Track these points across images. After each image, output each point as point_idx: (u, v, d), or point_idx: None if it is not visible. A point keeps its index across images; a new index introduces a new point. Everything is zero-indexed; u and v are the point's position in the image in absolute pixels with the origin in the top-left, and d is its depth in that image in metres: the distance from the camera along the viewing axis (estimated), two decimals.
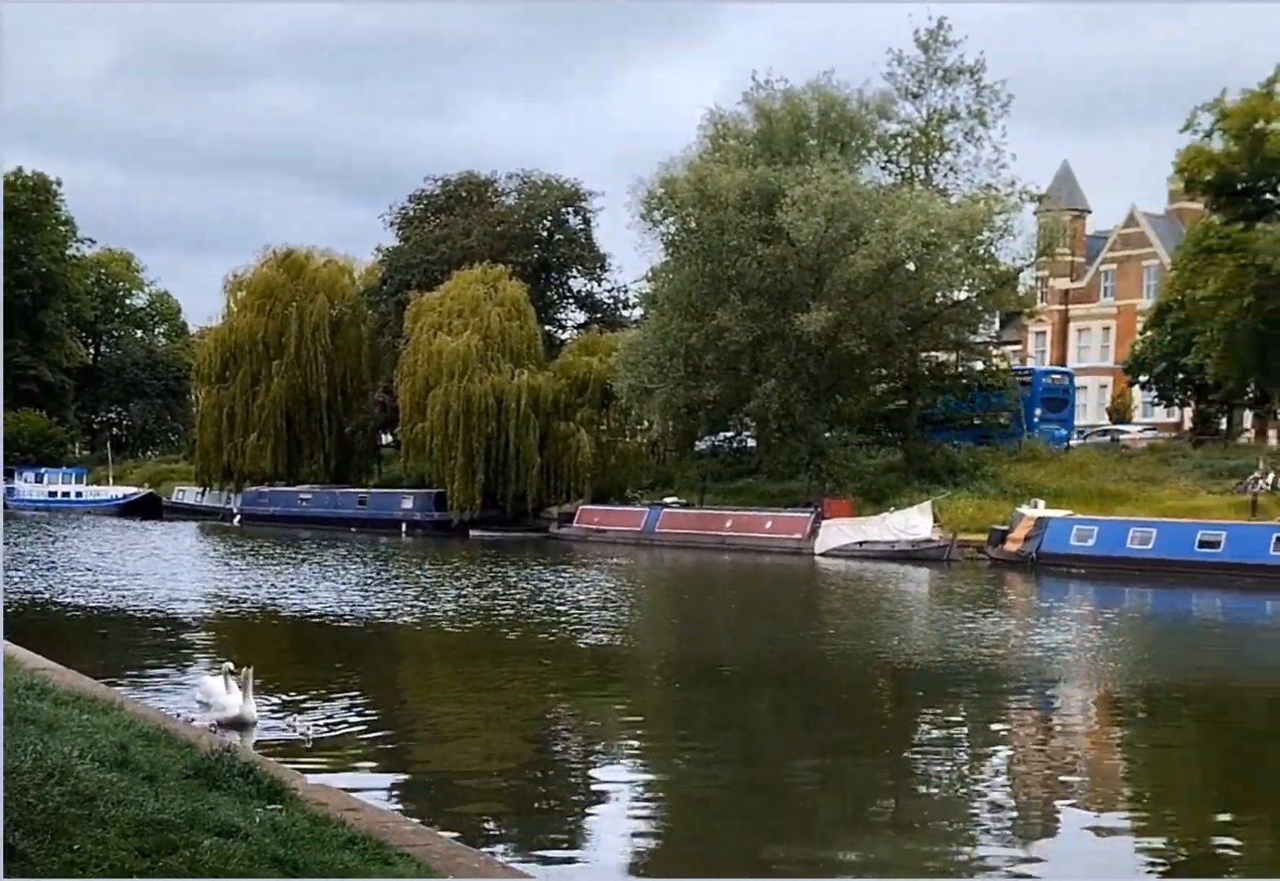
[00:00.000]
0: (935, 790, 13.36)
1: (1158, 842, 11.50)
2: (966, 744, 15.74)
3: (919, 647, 23.67)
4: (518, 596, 30.48)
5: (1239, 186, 48.54)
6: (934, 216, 45.92)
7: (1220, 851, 11.18)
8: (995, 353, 56.99)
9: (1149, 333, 55.45)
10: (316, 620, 25.66)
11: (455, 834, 9.83)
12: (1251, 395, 51.95)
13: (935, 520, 44.14)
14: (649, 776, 13.92)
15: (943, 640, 24.38)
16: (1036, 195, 53.25)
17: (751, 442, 57.85)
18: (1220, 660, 22.89)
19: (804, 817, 12.35)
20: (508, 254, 62.40)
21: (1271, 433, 52.94)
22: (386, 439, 72.66)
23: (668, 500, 54.46)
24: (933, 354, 55.30)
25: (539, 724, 16.48)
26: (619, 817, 11.95)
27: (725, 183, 47.79)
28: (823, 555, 44.94)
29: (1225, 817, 12.25)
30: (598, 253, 69.12)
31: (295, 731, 14.19)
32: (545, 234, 68.20)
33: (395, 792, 12.37)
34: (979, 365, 55.44)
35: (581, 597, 30.98)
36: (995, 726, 17.03)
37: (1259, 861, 10.99)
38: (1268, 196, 48.78)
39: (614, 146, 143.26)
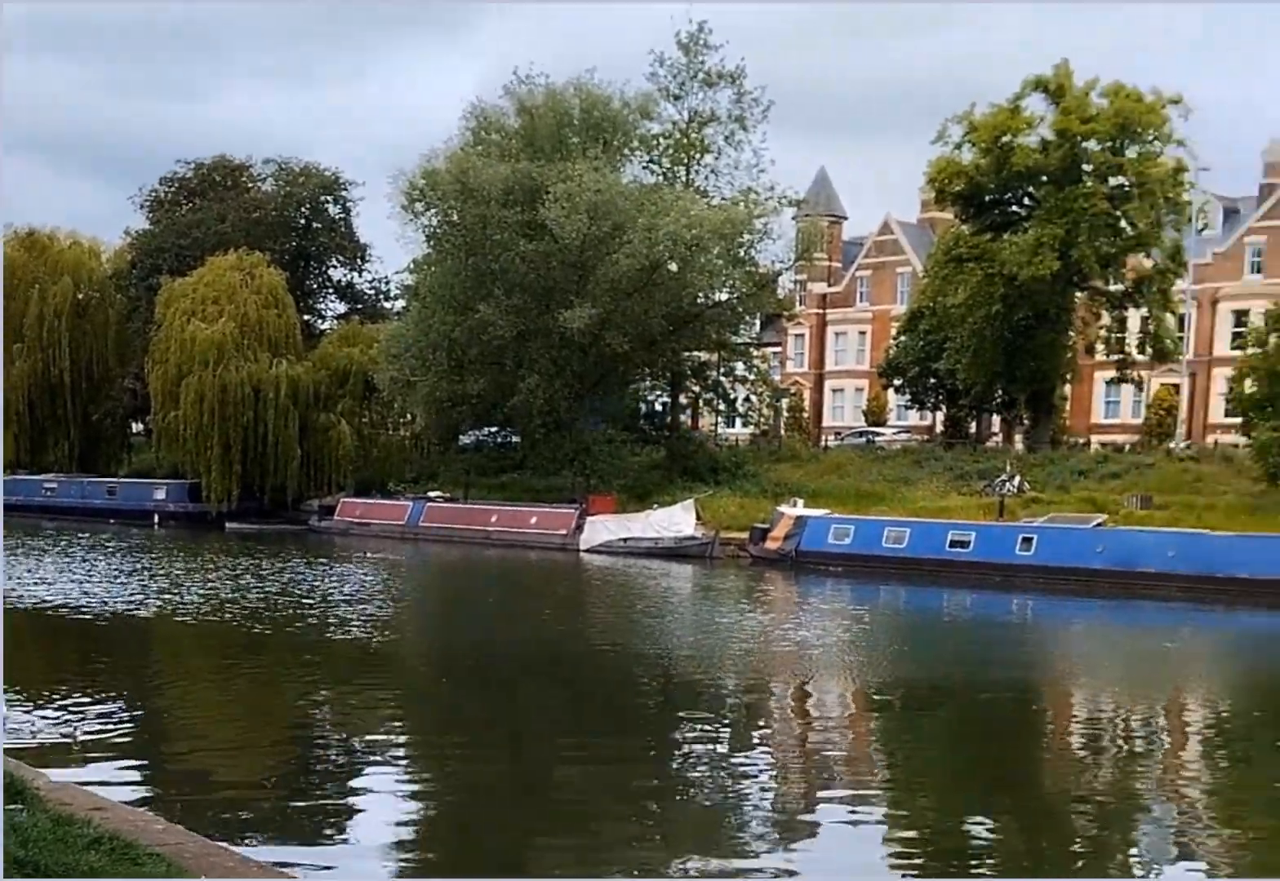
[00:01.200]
0: (697, 784, 13.30)
1: (911, 833, 11.63)
2: (728, 736, 15.82)
3: (682, 643, 23.82)
4: (276, 590, 29.58)
5: (987, 198, 49.72)
6: (696, 218, 46.02)
7: (973, 841, 11.34)
8: (756, 354, 57.18)
9: (902, 338, 56.53)
10: (57, 613, 24.38)
11: (210, 833, 9.30)
12: (999, 400, 53.41)
13: (698, 518, 44.18)
14: (411, 773, 13.57)
15: (705, 636, 24.56)
16: (795, 200, 53.71)
17: (516, 438, 56.89)
18: (968, 655, 23.28)
19: (569, 813, 12.15)
20: (265, 241, 60.32)
21: (1018, 437, 54.48)
22: (137, 427, 69.23)
23: (432, 494, 53.37)
24: (695, 353, 55.18)
25: (298, 720, 15.92)
26: (380, 815, 11.59)
27: (487, 176, 46.99)
28: (587, 551, 44.67)
29: (976, 808, 12.38)
30: (358, 243, 67.59)
31: (62, 735, 13.41)
32: (303, 222, 66.33)
33: (146, 791, 11.77)
34: (740, 366, 55.59)
35: (344, 592, 30.25)
36: (755, 719, 17.14)
37: (1009, 850, 11.19)
38: (1014, 209, 50.06)
39: (373, 136, 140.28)
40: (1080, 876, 10.49)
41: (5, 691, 14.41)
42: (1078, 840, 11.40)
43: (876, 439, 58.73)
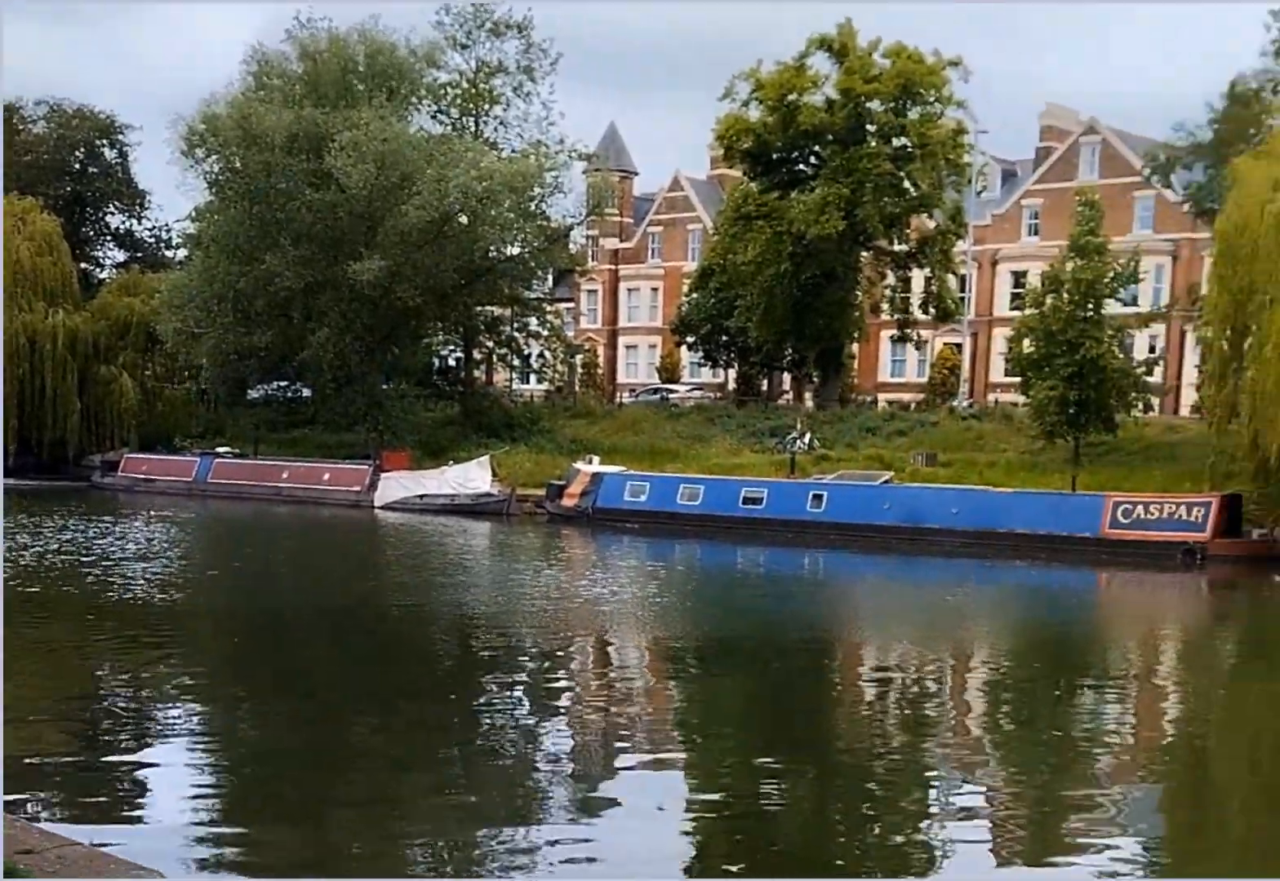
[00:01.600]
0: (497, 749, 13.16)
1: (710, 786, 11.73)
2: (528, 698, 15.73)
3: (479, 601, 23.81)
4: (55, 548, 28.40)
5: (774, 156, 50.10)
6: (486, 170, 45.60)
7: (766, 792, 11.39)
8: (550, 309, 56.80)
9: (694, 295, 56.79)
10: None
11: None
12: (789, 358, 54.11)
13: (494, 474, 43.79)
14: (202, 742, 13.12)
15: (503, 594, 24.55)
16: (585, 154, 53.56)
17: (307, 392, 55.46)
18: (763, 612, 23.56)
19: (368, 770, 11.99)
20: (37, 186, 57.64)
21: (808, 395, 55.37)
22: None
23: (220, 449, 51.88)
24: (488, 308, 54.52)
25: (80, 687, 15.34)
26: (172, 788, 11.18)
27: (270, 123, 45.68)
28: (382, 508, 44.10)
29: (770, 760, 12.45)
30: (136, 189, 65.12)
31: None
32: (78, 166, 63.64)
33: None
34: (533, 321, 55.13)
35: (128, 550, 29.21)
36: (554, 679, 17.08)
37: (802, 801, 11.37)
38: (801, 167, 50.52)
39: (152, 79, 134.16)
40: (863, 832, 10.66)
41: None
42: (871, 799, 11.55)
43: (670, 396, 59.02)
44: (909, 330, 52.25)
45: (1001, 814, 11.08)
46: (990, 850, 10.14)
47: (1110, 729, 14.53)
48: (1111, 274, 37.10)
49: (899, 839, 10.33)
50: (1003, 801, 11.48)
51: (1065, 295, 36.56)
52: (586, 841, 9.96)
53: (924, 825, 10.80)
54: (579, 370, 64.34)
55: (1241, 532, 31.78)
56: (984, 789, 11.89)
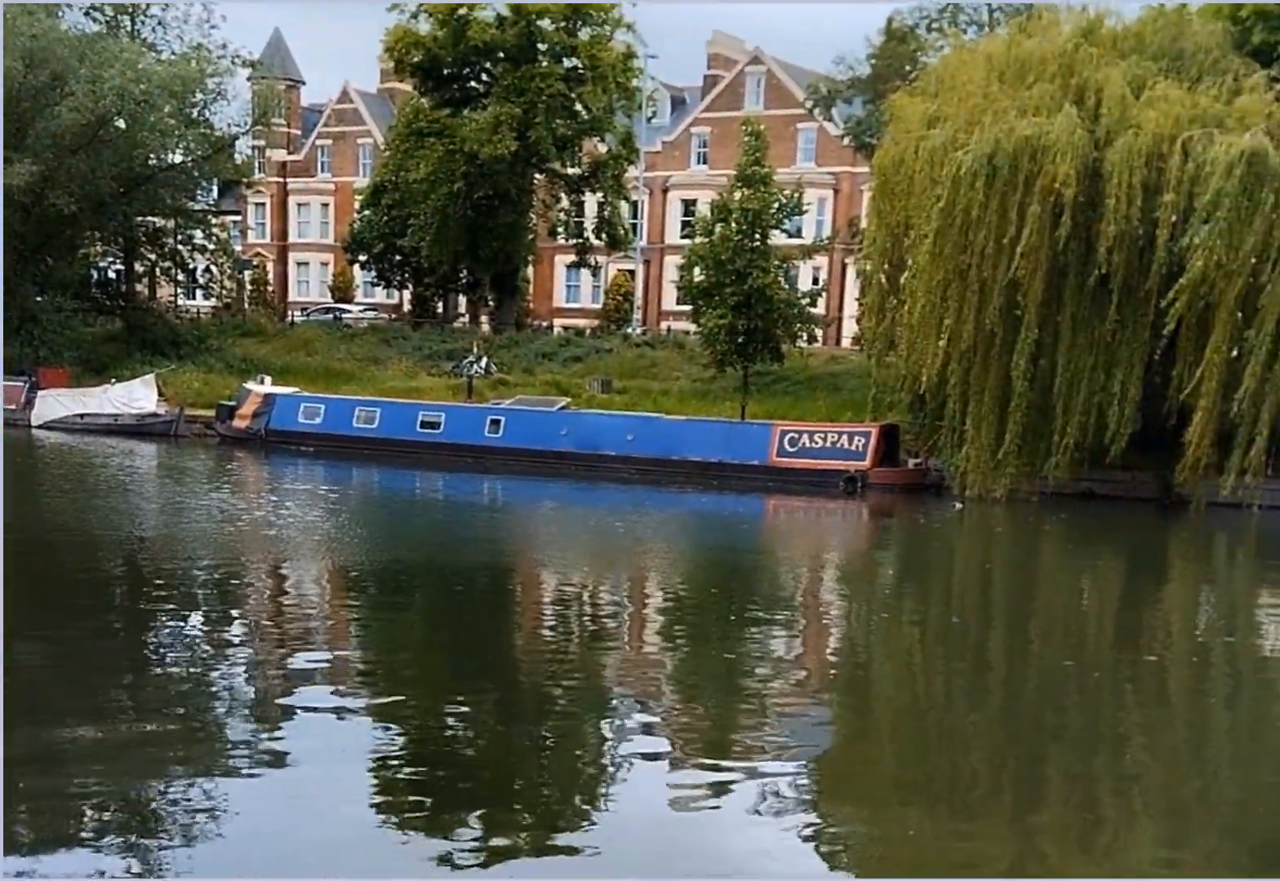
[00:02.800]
0: (162, 682, 12.55)
1: (395, 722, 11.39)
2: (201, 629, 14.98)
3: (147, 526, 22.74)
4: None
5: (445, 72, 48.79)
6: (144, 73, 43.01)
7: (451, 725, 11.29)
8: (215, 222, 53.71)
9: (366, 212, 54.81)
10: None
11: None
12: (465, 280, 53.08)
13: (160, 394, 41.50)
14: None
15: (172, 518, 23.57)
16: (249, 61, 50.59)
17: None
18: (441, 538, 23.27)
19: (38, 705, 11.27)
20: None
21: (484, 318, 54.46)
22: None
23: None
24: (150, 219, 51.15)
25: None
26: None
27: None
28: (40, 427, 41.34)
29: (453, 690, 12.38)
30: None
31: None
32: None
33: None
34: (198, 234, 52.08)
35: None
36: (227, 608, 16.46)
37: (486, 731, 11.25)
38: (472, 84, 49.38)
39: None
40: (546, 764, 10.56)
41: None
42: (553, 725, 11.52)
43: (344, 316, 57.22)
44: (586, 256, 51.94)
45: (678, 736, 11.20)
46: (668, 771, 10.22)
47: (779, 653, 14.91)
48: (777, 205, 37.49)
49: (581, 765, 10.36)
50: (679, 724, 11.63)
51: (733, 224, 36.80)
52: (268, 790, 9.53)
53: (605, 748, 10.88)
54: (248, 287, 61.44)
55: (899, 461, 33.09)
56: (660, 712, 12.04)
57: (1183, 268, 26.67)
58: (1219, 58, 29.45)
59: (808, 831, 8.74)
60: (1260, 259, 26.29)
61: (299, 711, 11.65)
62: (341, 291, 63.01)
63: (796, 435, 33.07)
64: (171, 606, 15.97)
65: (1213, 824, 8.83)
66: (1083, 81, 29.12)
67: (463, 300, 57.61)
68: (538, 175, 49.97)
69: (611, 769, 10.32)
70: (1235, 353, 27.25)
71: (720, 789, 9.51)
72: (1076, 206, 27.18)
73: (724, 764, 10.08)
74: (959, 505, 29.14)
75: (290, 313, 61.73)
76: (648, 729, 11.30)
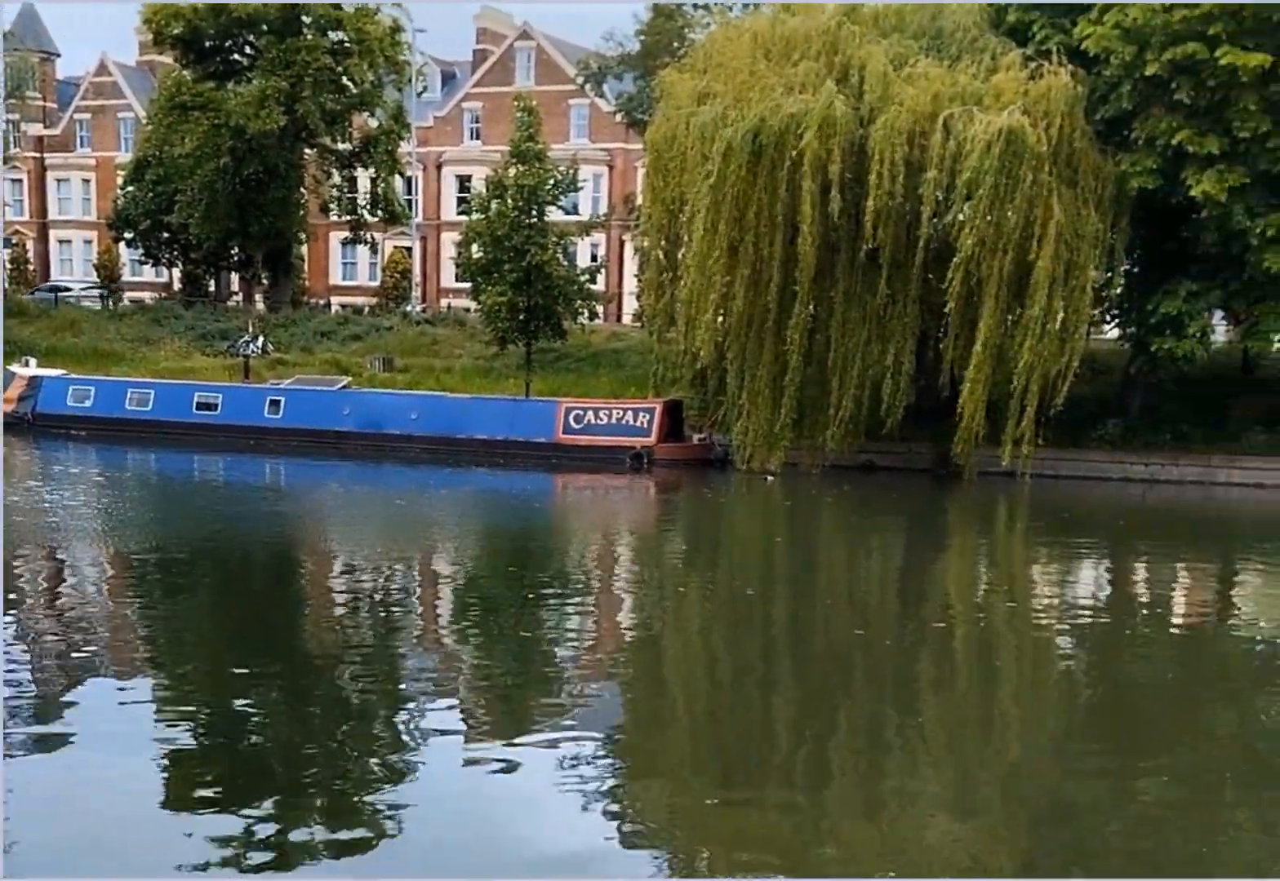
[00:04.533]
0: None
1: (186, 708, 10.89)
2: None
3: None
4: None
5: (208, 44, 46.52)
6: None
7: (241, 709, 10.68)
8: None
9: (130, 188, 51.82)
10: None
11: None
12: (236, 258, 50.57)
13: None
14: None
15: None
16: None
17: None
18: (223, 520, 22.22)
19: None
20: None
21: (259, 296, 52.08)
22: None
23: None
24: None
25: None
26: None
27: None
28: None
29: (245, 673, 11.78)
30: None
31: None
32: None
33: None
34: None
35: None
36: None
37: (279, 712, 10.80)
38: (236, 57, 47.20)
39: None
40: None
41: None
42: (345, 705, 11.12)
43: (111, 296, 53.88)
44: (361, 232, 50.13)
45: (474, 716, 10.86)
46: (464, 752, 9.78)
47: (573, 630, 14.55)
48: (552, 181, 36.66)
49: (376, 748, 9.88)
50: (474, 704, 11.25)
51: (509, 201, 35.86)
52: (53, 781, 8.85)
53: (399, 731, 10.45)
54: (7, 266, 57.40)
55: (684, 436, 32.81)
56: (455, 692, 11.62)
57: (949, 243, 26.90)
58: (976, 36, 29.69)
59: (610, 807, 8.48)
60: (1025, 235, 26.57)
61: (79, 700, 10.92)
62: (108, 270, 59.43)
63: (581, 412, 32.50)
64: None
65: (997, 789, 8.87)
66: (846, 59, 29.03)
67: (235, 278, 54.98)
68: (308, 150, 48.07)
69: (407, 751, 9.87)
70: (1004, 326, 27.53)
71: (518, 767, 9.16)
72: (844, 183, 27.10)
73: (521, 742, 9.73)
74: (770, 478, 28.96)
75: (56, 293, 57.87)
76: (443, 710, 10.89)
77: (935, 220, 26.96)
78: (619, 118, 47.85)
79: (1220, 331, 35.93)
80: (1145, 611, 15.77)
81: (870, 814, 8.29)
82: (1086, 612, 15.57)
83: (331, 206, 50.64)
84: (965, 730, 10.45)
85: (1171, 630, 14.59)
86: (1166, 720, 10.19)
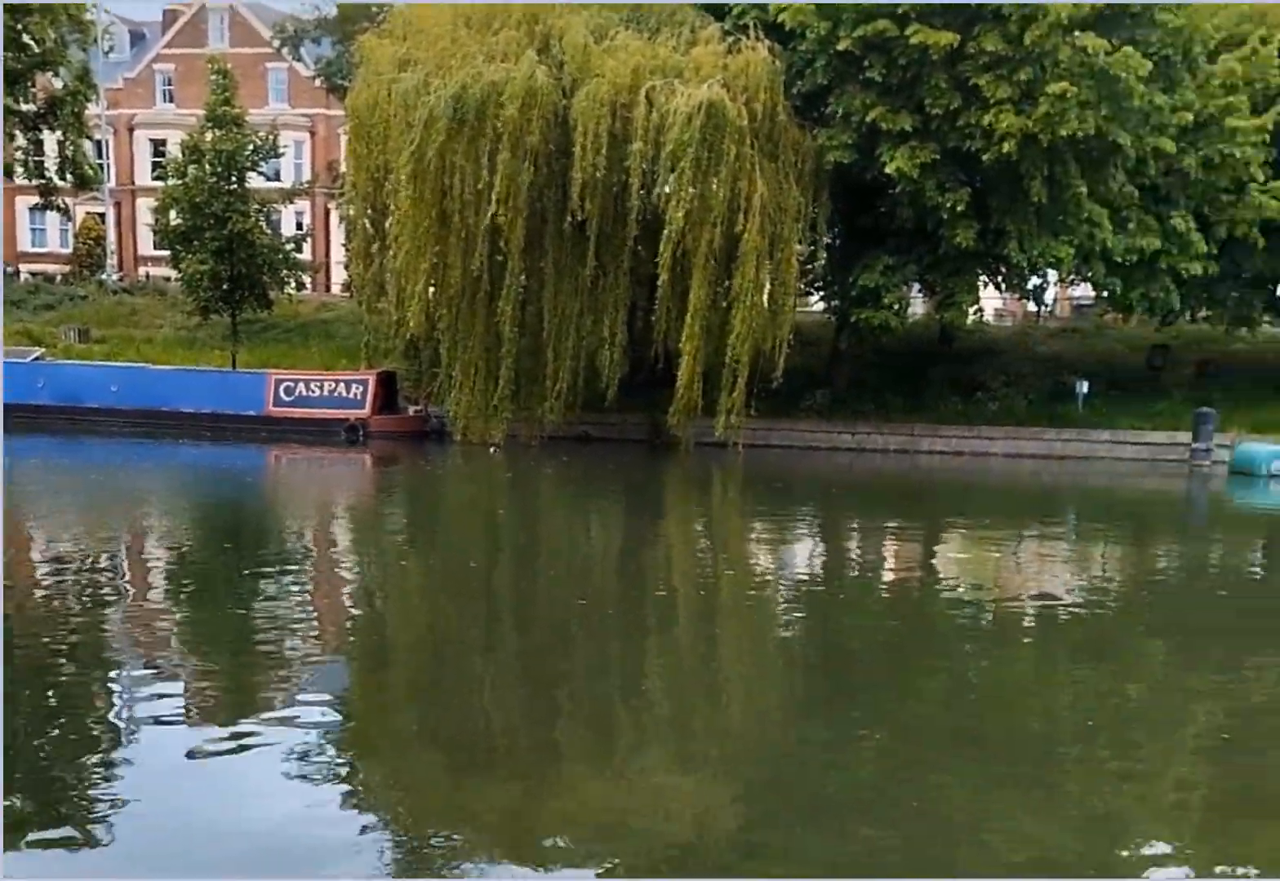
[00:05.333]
0: None
1: None
2: None
3: None
4: None
5: None
6: None
7: None
8: None
9: None
10: None
11: None
12: None
13: None
14: None
15: None
16: None
17: None
18: None
19: None
20: None
21: None
22: None
23: None
24: None
25: None
26: None
27: None
28: None
29: None
30: None
31: None
32: None
33: None
34: None
35: None
36: None
37: None
38: None
39: None
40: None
41: None
42: (54, 696, 10.15)
43: None
44: (51, 197, 46.82)
45: (194, 700, 10.15)
46: (186, 737, 9.06)
47: (293, 606, 13.83)
48: (252, 146, 35.22)
49: (89, 741, 9.03)
50: (194, 688, 10.51)
51: (207, 166, 34.27)
52: None
53: (114, 716, 9.68)
54: None
55: (399, 408, 32.19)
56: (172, 675, 10.83)
57: (658, 215, 26.86)
58: (675, 9, 29.77)
59: (339, 788, 8.08)
60: (732, 208, 26.76)
61: None
62: None
63: (293, 384, 31.44)
64: None
65: (722, 751, 8.95)
66: (547, 29, 28.74)
67: None
68: None
69: (124, 745, 9.07)
70: (714, 298, 27.69)
71: (243, 751, 8.60)
72: (549, 154, 26.95)
73: (244, 727, 9.12)
74: (494, 450, 28.58)
75: None
76: (161, 698, 10.08)
77: (643, 192, 26.89)
78: (319, 83, 46.26)
79: (919, 304, 37.52)
80: (857, 577, 16.09)
81: (598, 778, 8.22)
82: (802, 579, 15.81)
83: (15, 169, 47.15)
84: (689, 695, 10.49)
85: (883, 594, 14.90)
86: (881, 680, 10.45)
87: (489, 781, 8.16)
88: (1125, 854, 6.98)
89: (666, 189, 26.46)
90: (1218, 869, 6.48)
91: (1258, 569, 18.05)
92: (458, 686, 10.69)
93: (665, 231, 26.32)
